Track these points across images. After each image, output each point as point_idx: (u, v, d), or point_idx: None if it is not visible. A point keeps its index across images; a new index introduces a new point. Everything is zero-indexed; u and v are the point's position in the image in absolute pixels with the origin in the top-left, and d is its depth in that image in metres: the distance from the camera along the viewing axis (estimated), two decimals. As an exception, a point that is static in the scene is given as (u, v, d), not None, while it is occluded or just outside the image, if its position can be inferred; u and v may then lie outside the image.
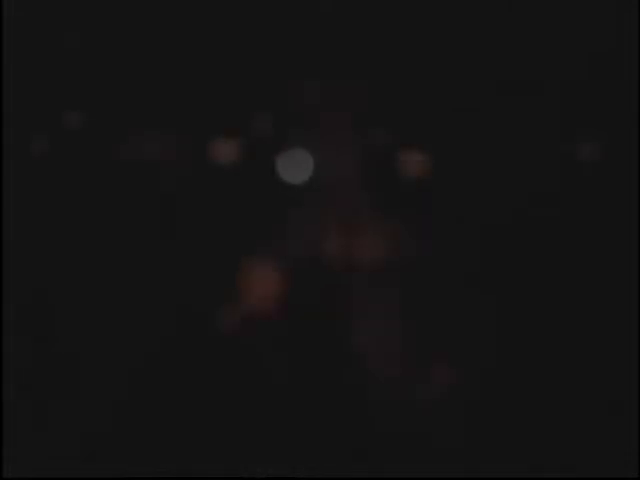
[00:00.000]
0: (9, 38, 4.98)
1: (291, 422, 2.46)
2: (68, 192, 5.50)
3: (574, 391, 2.80)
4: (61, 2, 5.01)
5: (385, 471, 2.37)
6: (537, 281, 5.16)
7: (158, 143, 5.60)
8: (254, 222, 5.98)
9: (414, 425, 2.61)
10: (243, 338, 4.40)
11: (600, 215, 5.30)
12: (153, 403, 2.15)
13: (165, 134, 5.49)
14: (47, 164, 5.28)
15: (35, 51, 5.20)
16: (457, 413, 2.72)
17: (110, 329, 2.91)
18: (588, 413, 2.67)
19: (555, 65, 5.25)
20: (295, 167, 5.78)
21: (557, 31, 5.22)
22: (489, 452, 2.74)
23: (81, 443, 2.06)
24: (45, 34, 5.04)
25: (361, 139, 5.54)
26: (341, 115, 5.44)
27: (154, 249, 5.93)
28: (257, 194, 5.99)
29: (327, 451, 2.39)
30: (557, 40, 5.25)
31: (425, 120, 5.49)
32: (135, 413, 2.13)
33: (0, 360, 2.04)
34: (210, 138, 5.38)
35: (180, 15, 5.15)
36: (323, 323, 2.66)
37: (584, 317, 3.87)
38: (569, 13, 5.10)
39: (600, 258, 5.11)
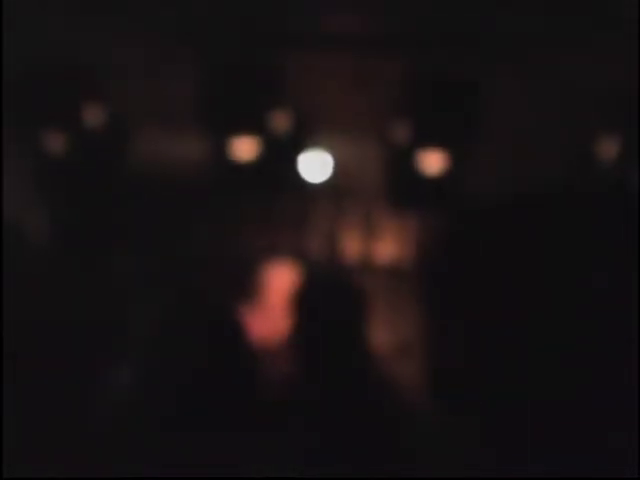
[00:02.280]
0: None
1: (303, 424, 2.47)
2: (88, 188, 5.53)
3: (575, 391, 2.82)
4: None
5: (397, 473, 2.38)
6: (560, 282, 5.14)
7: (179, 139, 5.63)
8: (271, 220, 6.00)
9: (429, 430, 2.62)
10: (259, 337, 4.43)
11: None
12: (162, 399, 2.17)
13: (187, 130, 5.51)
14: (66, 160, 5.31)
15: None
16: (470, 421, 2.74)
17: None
18: (590, 413, 2.69)
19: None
20: (315, 166, 5.80)
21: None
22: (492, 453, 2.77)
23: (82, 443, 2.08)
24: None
25: (381, 138, 5.55)
26: (361, 114, 5.44)
27: (173, 244, 5.96)
28: (277, 192, 6.01)
29: (342, 454, 2.40)
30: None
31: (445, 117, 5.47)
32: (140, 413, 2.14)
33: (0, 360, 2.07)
34: (232, 136, 5.39)
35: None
36: (339, 323, 2.65)
37: (598, 317, 3.85)
38: None
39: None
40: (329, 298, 2.72)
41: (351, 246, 5.98)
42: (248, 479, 2.15)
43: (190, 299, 2.59)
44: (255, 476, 2.15)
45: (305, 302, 2.75)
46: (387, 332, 4.99)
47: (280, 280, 4.89)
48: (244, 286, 4.83)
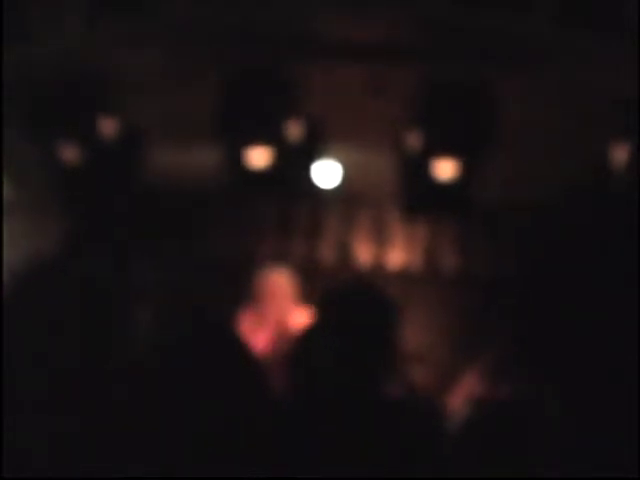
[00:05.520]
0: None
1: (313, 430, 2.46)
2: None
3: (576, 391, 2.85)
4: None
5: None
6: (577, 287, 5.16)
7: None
8: (285, 227, 6.04)
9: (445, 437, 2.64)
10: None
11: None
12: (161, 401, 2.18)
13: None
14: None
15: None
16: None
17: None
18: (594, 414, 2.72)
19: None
20: (329, 175, 5.84)
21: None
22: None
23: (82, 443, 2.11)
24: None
25: (395, 146, 5.57)
26: (375, 122, 5.47)
27: (189, 251, 5.99)
28: (291, 200, 6.05)
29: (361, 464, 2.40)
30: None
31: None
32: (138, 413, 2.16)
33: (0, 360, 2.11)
34: (247, 144, 5.43)
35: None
36: (352, 330, 2.62)
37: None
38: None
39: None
40: (340, 305, 2.68)
41: (364, 252, 6.02)
42: (248, 479, 2.15)
43: (203, 306, 2.60)
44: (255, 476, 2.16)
45: (328, 311, 2.70)
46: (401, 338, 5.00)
47: (284, 285, 4.91)
48: (249, 289, 4.86)
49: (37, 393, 2.09)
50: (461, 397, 3.42)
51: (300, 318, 4.57)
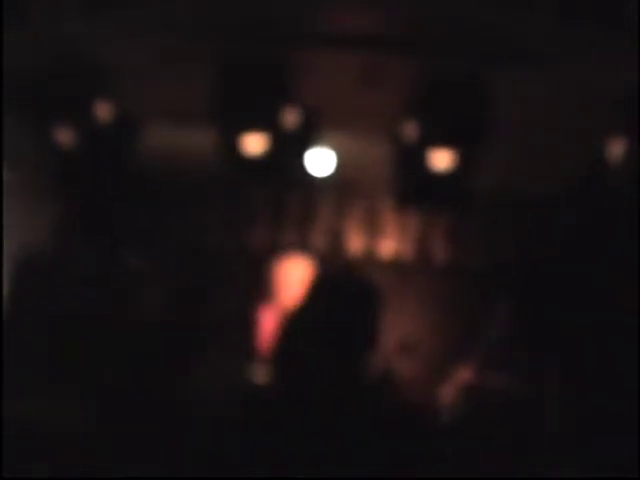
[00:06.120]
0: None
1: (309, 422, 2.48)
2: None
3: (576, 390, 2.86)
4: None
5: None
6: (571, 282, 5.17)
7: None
8: (279, 214, 6.05)
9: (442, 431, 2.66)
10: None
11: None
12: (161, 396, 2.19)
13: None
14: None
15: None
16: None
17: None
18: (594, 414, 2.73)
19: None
20: (323, 163, 5.84)
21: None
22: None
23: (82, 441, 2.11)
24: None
25: (390, 136, 5.57)
26: (370, 111, 5.47)
27: (183, 237, 5.99)
28: (286, 187, 6.05)
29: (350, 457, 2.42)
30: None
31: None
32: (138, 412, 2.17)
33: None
34: (242, 131, 5.43)
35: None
36: (345, 320, 2.65)
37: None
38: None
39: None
40: (340, 294, 2.70)
41: (356, 241, 6.03)
42: (248, 479, 2.16)
43: (197, 292, 2.61)
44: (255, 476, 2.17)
45: (316, 297, 2.73)
46: (392, 329, 5.03)
47: (289, 274, 4.93)
48: (254, 279, 4.88)
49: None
50: (454, 388, 3.44)
51: None
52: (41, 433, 2.20)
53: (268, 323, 4.64)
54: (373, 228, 6.01)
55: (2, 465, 2.09)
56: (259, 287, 4.92)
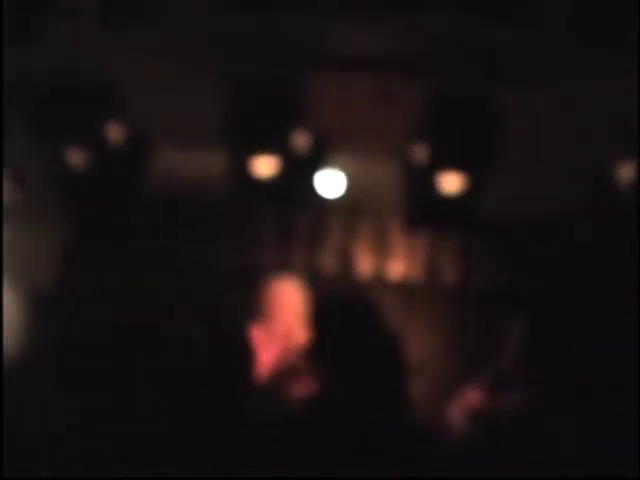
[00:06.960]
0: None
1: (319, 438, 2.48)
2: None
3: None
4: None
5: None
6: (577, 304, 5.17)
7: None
8: (289, 235, 6.06)
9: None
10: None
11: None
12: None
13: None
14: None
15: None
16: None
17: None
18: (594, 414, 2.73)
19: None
20: (333, 185, 5.86)
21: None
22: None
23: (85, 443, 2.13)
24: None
25: (400, 158, 5.60)
26: (380, 134, 5.49)
27: (191, 259, 6.01)
28: (296, 209, 6.07)
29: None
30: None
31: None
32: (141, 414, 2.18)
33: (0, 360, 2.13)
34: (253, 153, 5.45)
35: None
36: (353, 341, 2.63)
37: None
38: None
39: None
40: (344, 314, 2.69)
41: (365, 262, 6.04)
42: (248, 479, 2.17)
43: (205, 314, 2.62)
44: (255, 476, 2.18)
45: (320, 318, 2.73)
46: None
47: (294, 296, 4.90)
48: (258, 301, 4.87)
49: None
50: (461, 410, 3.43)
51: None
52: (41, 433, 2.21)
53: (263, 346, 4.58)
54: (382, 249, 6.03)
55: (2, 465, 2.10)
56: (257, 308, 4.88)
